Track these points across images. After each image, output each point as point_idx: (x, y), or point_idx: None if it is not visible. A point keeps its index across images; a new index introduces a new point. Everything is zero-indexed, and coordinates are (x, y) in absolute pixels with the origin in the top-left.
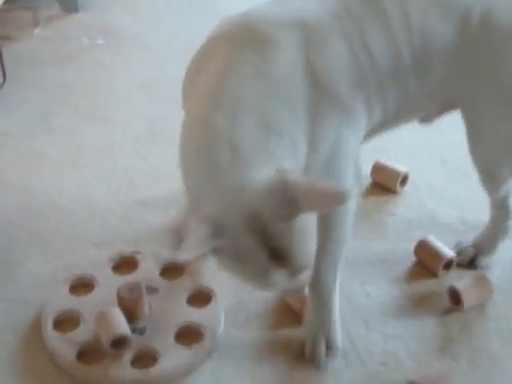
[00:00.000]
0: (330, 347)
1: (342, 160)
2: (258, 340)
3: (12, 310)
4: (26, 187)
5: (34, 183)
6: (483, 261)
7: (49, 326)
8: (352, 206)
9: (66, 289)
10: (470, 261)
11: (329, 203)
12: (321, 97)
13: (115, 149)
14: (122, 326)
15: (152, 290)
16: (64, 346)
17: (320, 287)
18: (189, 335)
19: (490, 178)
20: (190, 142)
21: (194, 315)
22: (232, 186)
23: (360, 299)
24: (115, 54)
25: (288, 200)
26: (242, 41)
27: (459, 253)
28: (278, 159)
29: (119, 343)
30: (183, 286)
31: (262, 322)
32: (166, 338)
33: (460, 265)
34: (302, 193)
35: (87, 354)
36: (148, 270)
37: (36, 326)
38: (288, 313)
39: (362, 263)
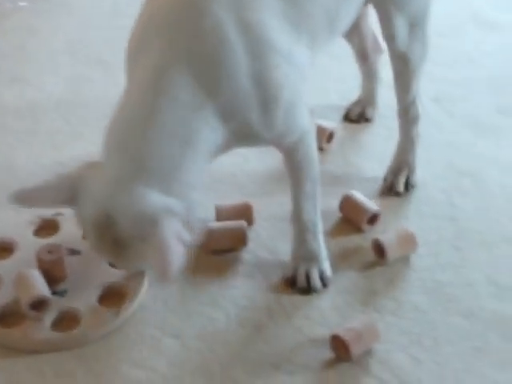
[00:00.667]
0: (324, 277)
1: (298, 106)
2: (182, 297)
3: None
4: None
5: None
6: (401, 182)
7: None
8: (313, 141)
9: None
10: (391, 187)
11: (158, 272)
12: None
13: (38, 111)
14: (41, 287)
15: (74, 252)
16: None
17: (304, 223)
18: (112, 296)
19: (404, 65)
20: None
21: (117, 276)
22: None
23: (284, 256)
24: (38, 16)
25: (146, 234)
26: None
27: (383, 184)
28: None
29: (39, 305)
30: None
31: (186, 279)
32: (88, 299)
33: (385, 193)
34: (156, 244)
35: (6, 317)
36: (70, 233)
37: None
38: (210, 266)
39: (286, 220)
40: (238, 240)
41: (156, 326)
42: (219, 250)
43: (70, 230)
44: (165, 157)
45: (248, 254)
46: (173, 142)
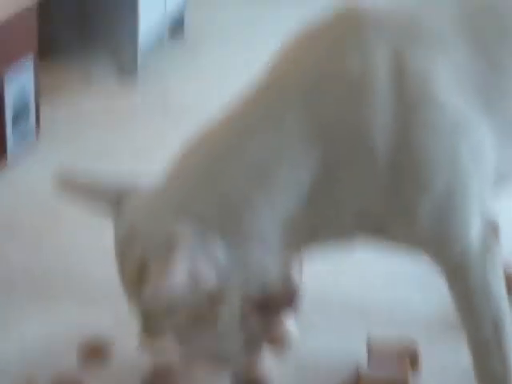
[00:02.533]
0: None
1: (463, 203)
2: None
3: None
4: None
5: None
6: None
7: None
8: (493, 264)
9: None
10: None
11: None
12: None
13: None
14: None
15: None
16: None
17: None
18: None
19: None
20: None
21: None
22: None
23: None
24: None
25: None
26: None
27: None
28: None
29: None
30: None
31: None
32: None
33: None
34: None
35: None
36: None
37: None
38: None
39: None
40: None
41: None
42: None
43: None
44: (233, 200)
45: None
46: (251, 185)
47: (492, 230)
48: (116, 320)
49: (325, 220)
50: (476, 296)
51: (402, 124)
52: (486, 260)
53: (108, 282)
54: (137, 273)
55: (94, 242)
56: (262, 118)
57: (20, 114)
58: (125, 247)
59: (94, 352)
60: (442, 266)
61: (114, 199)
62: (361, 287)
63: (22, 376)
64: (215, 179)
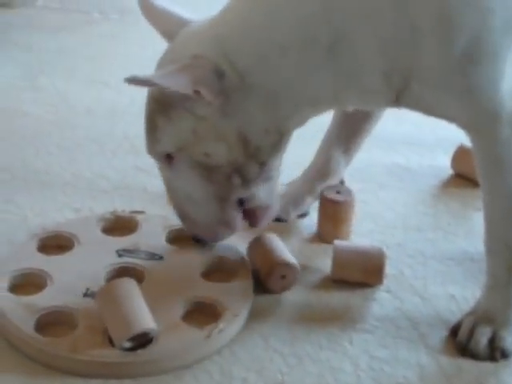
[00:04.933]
0: (495, 347)
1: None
2: (290, 335)
3: None
4: None
5: (4, 138)
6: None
7: (2, 287)
8: None
9: (33, 246)
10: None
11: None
12: None
13: (116, 113)
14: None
15: (154, 256)
16: (21, 311)
17: (499, 257)
18: (200, 315)
19: None
20: None
21: (208, 290)
22: None
23: (441, 302)
24: (127, 27)
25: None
26: None
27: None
28: None
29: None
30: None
31: (298, 311)
32: (170, 315)
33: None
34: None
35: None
36: (150, 234)
37: None
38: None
39: (445, 260)
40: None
41: (252, 369)
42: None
43: (151, 230)
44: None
45: (386, 293)
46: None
47: None
48: None
49: (348, 79)
50: (500, 161)
51: None
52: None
53: (67, 177)
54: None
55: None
56: None
57: None
58: (160, 58)
59: None
60: (469, 129)
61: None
62: None
63: None
64: (257, 24)
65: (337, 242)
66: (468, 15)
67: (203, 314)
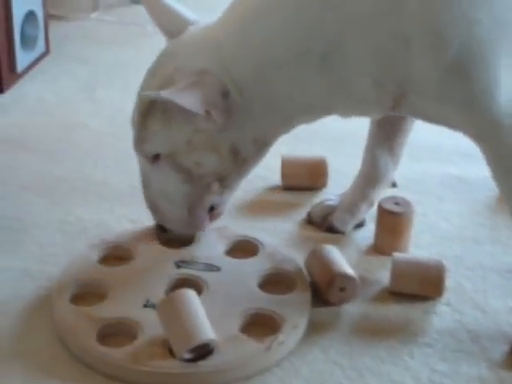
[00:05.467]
0: None
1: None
2: (348, 348)
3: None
4: (53, 154)
5: (64, 151)
6: None
7: (65, 297)
8: None
9: (93, 257)
10: None
11: None
12: None
13: None
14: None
15: (213, 268)
16: (82, 322)
17: None
18: (258, 327)
19: None
20: None
21: (266, 301)
22: None
23: (502, 316)
24: None
25: None
26: None
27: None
28: None
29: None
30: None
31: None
32: (228, 327)
33: None
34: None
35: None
36: (208, 246)
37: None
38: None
39: (505, 273)
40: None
41: (312, 381)
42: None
43: (209, 241)
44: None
45: (446, 306)
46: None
47: None
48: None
49: (342, 87)
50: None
51: None
52: None
53: (125, 189)
54: (158, 88)
55: (109, 151)
56: None
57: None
58: (160, 61)
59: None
60: (475, 139)
61: (176, 29)
62: None
63: (45, 279)
64: (255, 37)
65: (395, 254)
66: (456, 27)
67: (261, 325)
